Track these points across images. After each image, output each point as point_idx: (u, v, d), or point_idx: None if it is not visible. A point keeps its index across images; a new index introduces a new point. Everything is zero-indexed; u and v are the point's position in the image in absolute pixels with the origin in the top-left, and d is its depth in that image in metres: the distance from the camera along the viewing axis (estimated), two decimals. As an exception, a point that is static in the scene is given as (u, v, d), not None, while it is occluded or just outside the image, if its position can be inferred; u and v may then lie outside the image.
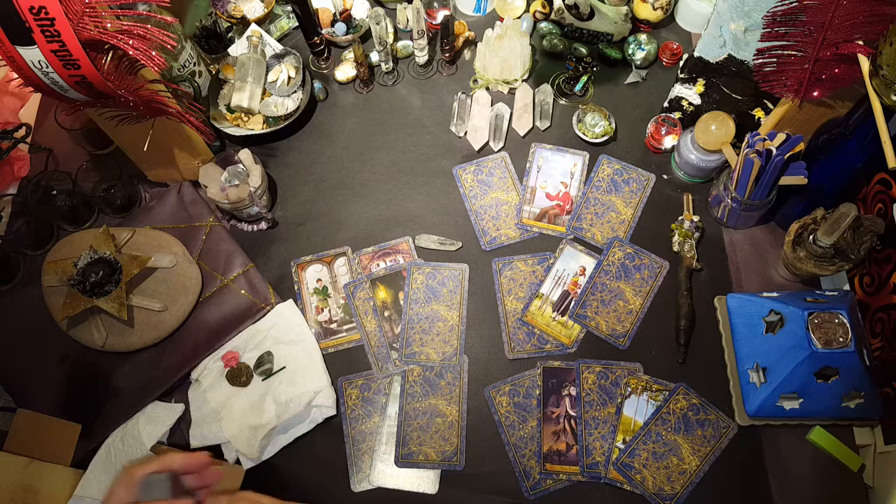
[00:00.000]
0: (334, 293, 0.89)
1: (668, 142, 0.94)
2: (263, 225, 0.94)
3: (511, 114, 1.00)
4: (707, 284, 0.87)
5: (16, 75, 0.67)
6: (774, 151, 0.76)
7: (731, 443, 0.77)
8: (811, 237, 0.78)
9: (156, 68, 0.70)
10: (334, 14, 1.07)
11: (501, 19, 1.03)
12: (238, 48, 1.04)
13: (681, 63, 0.96)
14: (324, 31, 1.05)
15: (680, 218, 0.89)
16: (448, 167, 0.97)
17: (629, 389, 0.81)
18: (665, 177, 0.94)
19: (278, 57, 1.02)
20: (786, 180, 0.79)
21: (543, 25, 1.05)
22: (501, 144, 0.98)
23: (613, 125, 0.96)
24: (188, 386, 0.85)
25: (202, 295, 0.89)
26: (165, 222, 0.94)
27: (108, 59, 0.70)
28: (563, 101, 1.01)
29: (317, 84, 1.03)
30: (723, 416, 0.79)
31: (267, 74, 1.00)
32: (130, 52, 0.68)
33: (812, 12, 0.70)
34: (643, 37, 1.02)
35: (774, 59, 0.77)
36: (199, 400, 0.83)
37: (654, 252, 0.89)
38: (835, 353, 0.71)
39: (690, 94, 0.93)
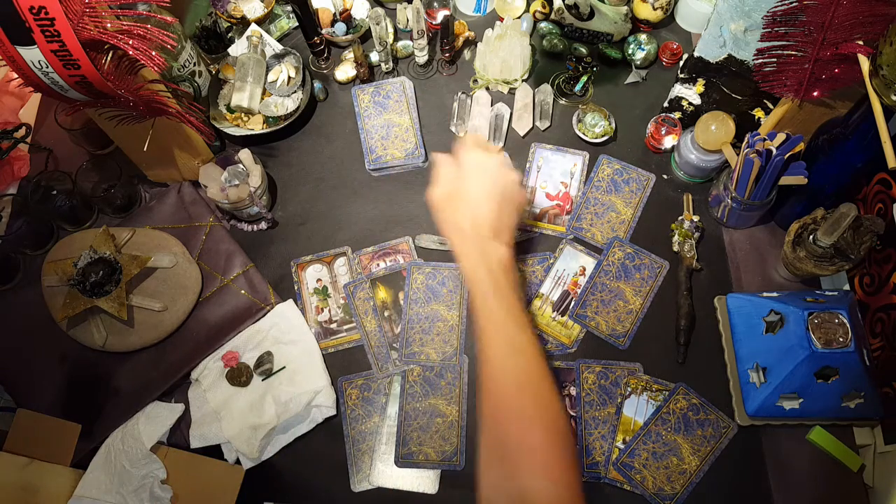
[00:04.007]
0: (334, 293, 0.89)
1: (668, 142, 0.94)
2: (263, 225, 0.94)
3: (511, 114, 1.00)
4: (707, 284, 0.87)
5: (16, 75, 0.67)
6: (774, 151, 0.76)
7: (731, 443, 0.77)
8: (811, 237, 0.78)
9: (156, 68, 0.70)
10: (334, 14, 1.07)
11: (501, 19, 1.03)
12: (238, 48, 1.04)
13: (681, 63, 0.96)
14: (324, 31, 1.05)
15: (680, 218, 0.89)
16: (448, 167, 0.97)
17: (629, 389, 0.81)
18: (665, 177, 0.94)
19: (278, 57, 1.02)
20: (786, 180, 0.79)
21: (543, 25, 1.05)
22: (501, 144, 0.98)
23: (613, 125, 0.96)
24: (188, 386, 0.85)
25: (202, 295, 0.89)
26: (165, 222, 0.94)
27: (108, 59, 0.70)
28: (563, 101, 1.01)
29: (317, 84, 1.03)
30: (723, 416, 0.79)
31: (267, 74, 1.00)
32: (130, 52, 0.68)
33: (812, 12, 0.70)
34: (643, 37, 1.02)
35: (774, 59, 0.77)
36: (199, 400, 0.83)
37: (654, 252, 0.89)
38: (835, 353, 0.71)
39: (690, 94, 0.93)
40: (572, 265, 0.89)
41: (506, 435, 0.60)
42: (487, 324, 0.64)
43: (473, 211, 0.70)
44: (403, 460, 0.79)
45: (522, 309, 0.65)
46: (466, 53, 1.07)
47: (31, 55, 0.63)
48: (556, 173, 0.95)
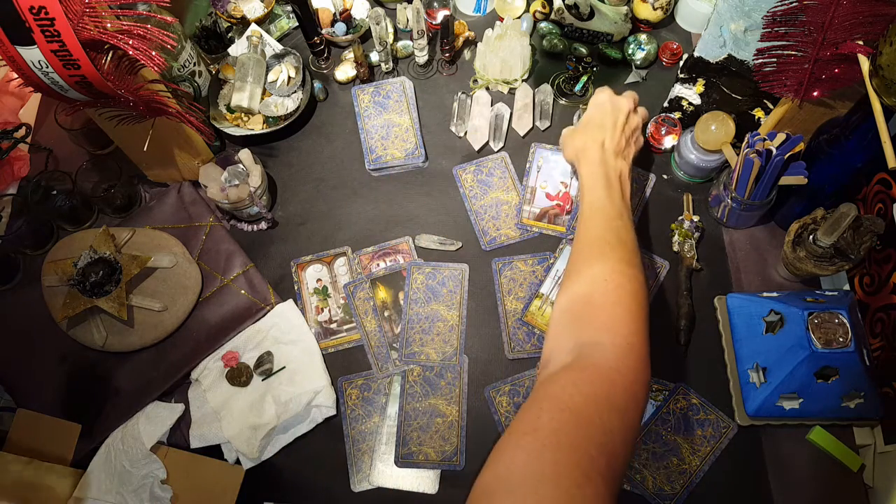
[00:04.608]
0: (334, 293, 0.89)
1: (668, 142, 0.94)
2: (263, 225, 0.94)
3: (511, 114, 1.00)
4: (707, 284, 0.87)
5: (16, 75, 0.67)
6: (774, 151, 0.76)
7: (731, 443, 0.77)
8: (811, 237, 0.78)
9: (156, 68, 0.70)
10: (334, 14, 1.07)
11: (501, 19, 1.03)
12: (238, 48, 1.04)
13: (681, 63, 0.96)
14: (324, 31, 1.05)
15: (680, 218, 0.89)
16: (448, 167, 0.97)
17: (629, 389, 0.81)
18: (665, 177, 0.94)
19: (278, 57, 1.02)
20: (786, 180, 0.79)
21: (543, 25, 1.05)
22: (501, 144, 0.98)
23: (613, 125, 0.96)
24: (188, 386, 0.85)
25: (202, 295, 0.89)
26: (165, 222, 0.94)
27: (108, 59, 0.71)
28: (563, 101, 1.01)
29: (317, 84, 1.03)
30: (723, 416, 0.79)
31: (267, 74, 1.00)
32: (130, 52, 0.68)
33: (812, 12, 0.70)
34: (643, 37, 1.02)
35: (774, 59, 0.77)
36: (199, 400, 0.83)
37: (654, 252, 0.89)
38: (835, 353, 0.71)
39: (690, 94, 0.93)
40: (572, 265, 0.89)
41: (579, 291, 0.64)
42: (592, 210, 0.72)
43: (601, 133, 0.79)
44: (403, 460, 0.79)
45: (627, 206, 0.74)
46: (466, 53, 1.07)
47: (31, 55, 0.63)
48: (556, 173, 0.95)
